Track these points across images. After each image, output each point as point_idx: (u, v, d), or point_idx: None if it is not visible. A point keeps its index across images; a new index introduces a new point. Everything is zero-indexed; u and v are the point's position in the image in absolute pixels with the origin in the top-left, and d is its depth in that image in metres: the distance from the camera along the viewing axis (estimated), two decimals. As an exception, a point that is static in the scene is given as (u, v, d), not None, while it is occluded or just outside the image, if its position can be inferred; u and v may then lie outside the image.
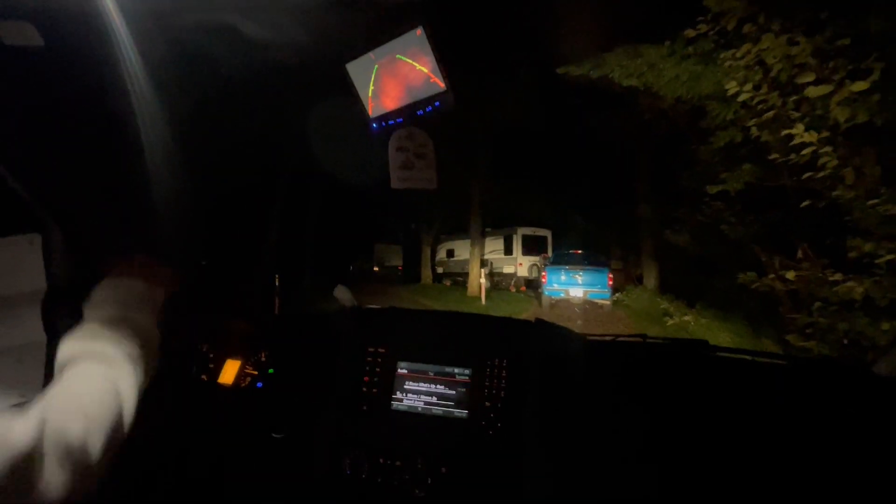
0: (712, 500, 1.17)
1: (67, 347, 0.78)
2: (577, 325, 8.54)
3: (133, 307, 0.87)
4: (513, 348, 1.46)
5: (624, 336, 1.53)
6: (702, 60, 4.78)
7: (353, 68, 1.49)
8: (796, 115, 4.16)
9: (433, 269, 20.75)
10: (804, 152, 4.10)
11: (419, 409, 1.47)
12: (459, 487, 1.34)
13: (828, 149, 4.02)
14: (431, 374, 1.49)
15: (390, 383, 1.51)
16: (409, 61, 1.45)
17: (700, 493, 1.18)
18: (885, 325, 4.14)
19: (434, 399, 1.47)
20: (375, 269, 23.57)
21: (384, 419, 1.48)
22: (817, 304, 4.82)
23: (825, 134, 3.98)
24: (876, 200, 3.90)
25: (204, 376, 1.70)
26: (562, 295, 11.57)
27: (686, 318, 7.58)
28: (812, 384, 1.29)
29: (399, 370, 1.52)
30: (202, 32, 1.36)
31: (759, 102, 4.39)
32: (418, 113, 1.45)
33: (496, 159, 15.10)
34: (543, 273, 12.36)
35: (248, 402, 1.62)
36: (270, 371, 1.62)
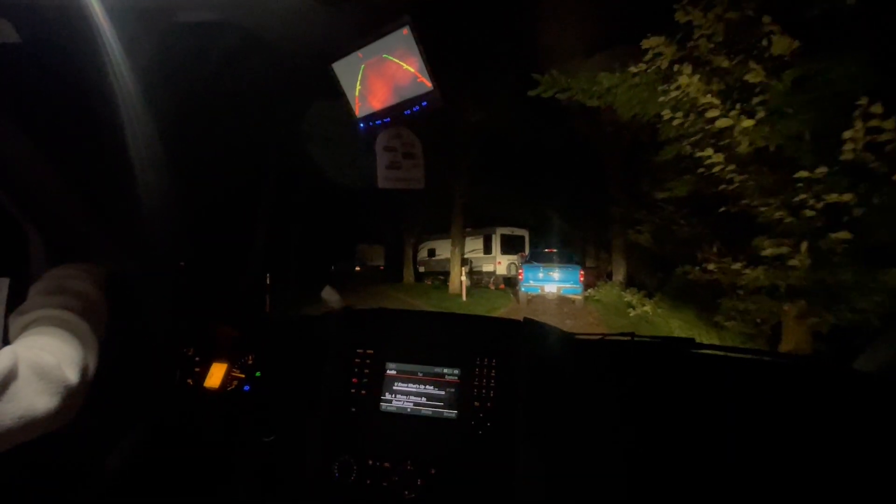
0: (702, 498, 1.13)
1: (21, 320, 0.88)
2: (551, 319, 8.45)
3: (71, 278, 1.00)
4: (501, 348, 1.44)
5: (612, 335, 1.50)
6: (647, 88, 5.56)
7: (340, 68, 1.43)
8: (711, 141, 5.24)
9: (415, 269, 20.90)
10: (715, 170, 5.27)
11: (408, 410, 1.44)
12: (449, 488, 1.31)
13: (732, 166, 5.19)
14: (420, 374, 1.46)
15: (379, 385, 1.48)
16: (397, 61, 1.40)
17: (689, 490, 1.14)
18: (786, 306, 5.34)
19: (423, 400, 1.44)
20: (357, 268, 23.22)
21: (373, 421, 1.44)
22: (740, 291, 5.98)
23: (728, 154, 5.16)
24: (766, 208, 5.03)
25: (189, 381, 1.65)
26: (538, 291, 12.08)
27: (646, 308, 8.76)
28: (793, 380, 1.26)
29: (388, 371, 1.49)
30: (187, 32, 1.29)
31: (688, 126, 5.38)
32: (405, 112, 1.39)
33: (477, 162, 15.13)
34: (520, 271, 12.86)
35: (235, 406, 1.58)
36: (258, 374, 1.57)
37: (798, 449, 1.14)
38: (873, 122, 3.79)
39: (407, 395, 1.45)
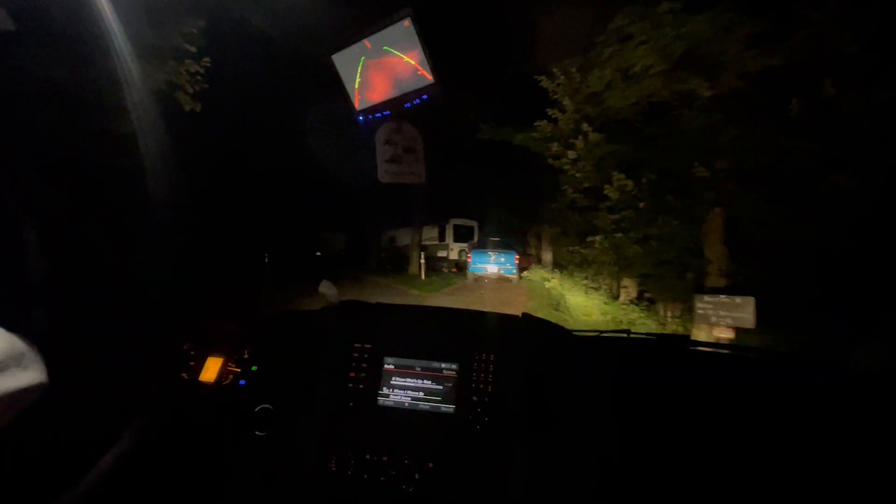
0: (697, 492, 1.05)
1: None
2: (493, 291, 11.65)
3: None
4: (499, 343, 1.38)
5: (608, 331, 1.45)
6: (541, 143, 9.07)
7: (340, 60, 1.30)
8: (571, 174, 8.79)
9: (378, 255, 22.10)
10: (572, 195, 8.99)
11: (406, 404, 1.37)
12: (447, 482, 1.25)
13: (579, 195, 8.87)
14: (418, 369, 1.40)
15: (377, 379, 1.41)
16: (397, 53, 1.28)
17: (685, 484, 1.06)
18: (617, 267, 8.41)
19: (421, 394, 1.37)
20: (317, 253, 22.67)
21: (371, 415, 1.37)
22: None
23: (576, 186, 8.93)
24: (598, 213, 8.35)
25: (184, 375, 1.57)
26: (483, 272, 13.57)
27: (554, 280, 10.85)
28: (786, 376, 1.19)
29: (386, 366, 1.42)
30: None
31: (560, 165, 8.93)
32: (406, 106, 1.26)
33: (435, 161, 15.40)
34: (469, 256, 14.50)
35: (231, 400, 1.50)
36: (254, 368, 1.49)
37: (790, 443, 1.07)
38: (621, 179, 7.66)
39: (405, 390, 1.39)
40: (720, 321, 4.55)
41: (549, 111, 8.70)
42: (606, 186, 7.74)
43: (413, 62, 1.27)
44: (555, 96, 8.53)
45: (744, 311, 4.45)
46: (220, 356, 1.56)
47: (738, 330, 4.56)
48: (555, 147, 8.66)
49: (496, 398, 1.29)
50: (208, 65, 6.19)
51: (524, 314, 1.40)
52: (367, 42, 1.30)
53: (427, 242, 18.74)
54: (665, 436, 1.17)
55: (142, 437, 1.39)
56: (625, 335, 1.41)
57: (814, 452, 1.06)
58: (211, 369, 1.55)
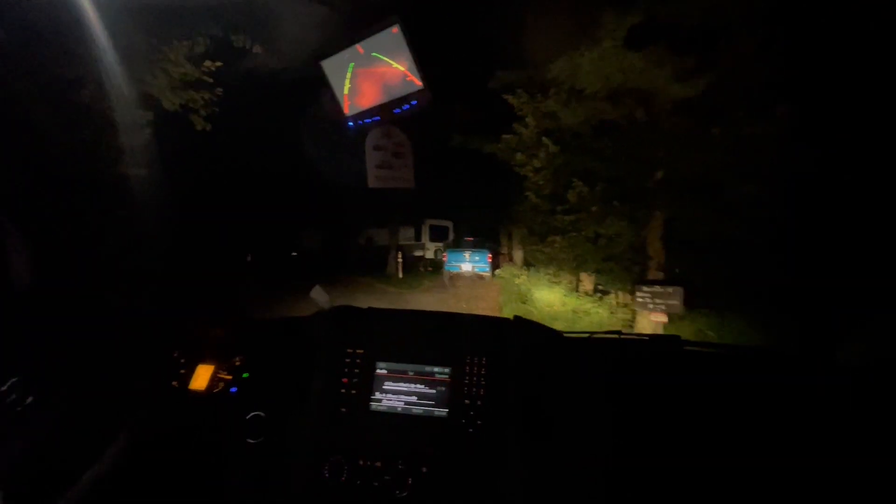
0: (692, 493, 0.93)
1: None
2: (467, 288, 11.31)
3: None
4: (491, 346, 1.22)
5: (599, 333, 1.31)
6: (511, 152, 8.56)
7: (329, 66, 1.12)
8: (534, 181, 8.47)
9: (357, 254, 20.08)
10: (535, 200, 8.54)
11: (399, 409, 1.20)
12: (440, 486, 1.09)
13: (539, 200, 8.40)
14: (411, 373, 1.23)
15: (369, 384, 1.23)
16: (386, 59, 1.11)
17: (680, 484, 0.96)
18: (574, 263, 8.12)
19: (414, 399, 1.20)
20: (293, 253, 19.49)
21: (363, 421, 1.20)
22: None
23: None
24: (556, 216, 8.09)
25: (174, 383, 1.36)
26: (458, 270, 12.74)
27: (523, 277, 10.21)
28: (776, 373, 1.08)
29: (378, 370, 1.25)
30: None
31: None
32: (395, 111, 1.09)
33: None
34: (444, 255, 13.55)
35: (222, 408, 1.30)
36: (245, 375, 1.29)
37: (783, 439, 0.96)
38: (580, 186, 7.34)
39: (397, 395, 1.22)
40: (656, 308, 4.64)
41: (515, 125, 8.62)
42: (570, 191, 7.54)
43: (402, 68, 1.11)
44: (520, 111, 8.42)
45: (674, 298, 4.58)
46: (210, 364, 1.35)
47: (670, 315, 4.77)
48: (519, 156, 8.57)
49: (489, 401, 1.14)
50: (220, 94, 5.96)
51: (516, 317, 1.25)
52: (356, 48, 1.14)
53: (404, 242, 17.54)
54: (658, 436, 1.03)
55: (132, 446, 1.19)
56: (616, 336, 1.26)
57: (808, 452, 0.94)
58: (201, 377, 1.34)
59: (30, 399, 1.05)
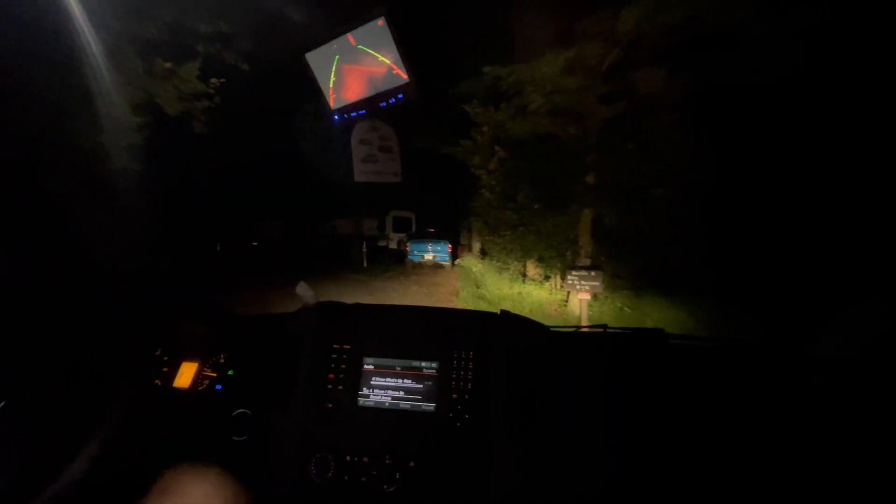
0: (677, 485, 0.83)
1: None
2: (428, 276, 10.44)
3: None
4: (478, 340, 1.04)
5: (585, 327, 1.16)
6: (469, 155, 8.54)
7: (314, 58, 0.90)
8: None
9: (322, 243, 17.77)
10: (485, 196, 8.51)
11: (386, 404, 1.01)
12: (428, 481, 0.92)
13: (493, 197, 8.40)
14: (398, 368, 1.04)
15: (357, 380, 1.04)
16: (372, 52, 0.89)
17: (665, 477, 0.85)
18: (521, 253, 8.12)
19: (401, 394, 1.02)
20: (254, 243, 16.08)
21: (350, 416, 1.00)
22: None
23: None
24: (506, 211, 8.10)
25: (157, 381, 1.12)
26: (420, 259, 11.82)
27: (478, 266, 9.54)
28: (752, 365, 0.97)
29: (365, 366, 1.05)
30: None
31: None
32: (381, 105, 0.88)
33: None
34: (407, 245, 12.53)
35: (207, 406, 1.08)
36: (230, 373, 1.07)
37: (778, 440, 0.84)
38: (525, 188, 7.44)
39: (385, 390, 1.02)
40: (582, 288, 4.76)
41: (472, 131, 8.42)
42: (519, 193, 7.57)
43: (388, 61, 0.91)
44: (476, 119, 8.27)
45: (596, 280, 4.74)
46: (194, 361, 1.12)
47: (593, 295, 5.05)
48: (476, 160, 8.47)
49: (476, 395, 0.97)
50: (219, 102, 5.70)
51: (503, 311, 1.07)
52: (342, 40, 0.92)
53: (368, 232, 16.15)
54: (647, 431, 0.89)
55: (111, 445, 0.95)
56: (601, 330, 1.11)
57: (803, 450, 0.82)
58: (185, 375, 1.11)
59: (2, 403, 0.83)
